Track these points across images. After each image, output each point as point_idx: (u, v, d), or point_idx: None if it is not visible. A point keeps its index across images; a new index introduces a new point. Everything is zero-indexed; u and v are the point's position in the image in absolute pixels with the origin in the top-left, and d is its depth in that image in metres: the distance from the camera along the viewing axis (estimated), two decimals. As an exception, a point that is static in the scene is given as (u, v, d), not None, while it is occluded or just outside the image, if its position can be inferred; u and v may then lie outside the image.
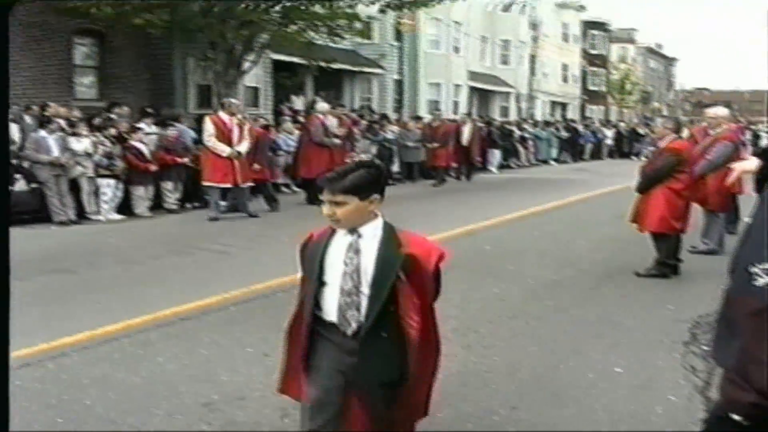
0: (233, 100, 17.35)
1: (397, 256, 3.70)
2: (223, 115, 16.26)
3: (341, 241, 3.80)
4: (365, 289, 3.71)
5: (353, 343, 3.76)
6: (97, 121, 17.43)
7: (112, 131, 16.57)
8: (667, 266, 10.01)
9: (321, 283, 3.81)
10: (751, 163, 3.17)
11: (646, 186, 10.00)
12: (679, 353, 6.70)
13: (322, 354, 3.87)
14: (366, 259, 3.73)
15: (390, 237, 3.76)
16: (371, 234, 3.76)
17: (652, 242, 10.19)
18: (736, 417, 1.86)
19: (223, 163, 15.93)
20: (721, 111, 12.26)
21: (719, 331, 2.08)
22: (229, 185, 16.24)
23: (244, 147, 16.18)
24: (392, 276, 3.68)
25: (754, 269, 1.80)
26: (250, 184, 16.67)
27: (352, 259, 3.74)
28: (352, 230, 3.76)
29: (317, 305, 3.84)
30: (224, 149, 15.90)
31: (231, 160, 15.94)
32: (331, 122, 19.33)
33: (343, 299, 3.74)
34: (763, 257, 1.79)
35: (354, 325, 3.75)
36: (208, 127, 16.13)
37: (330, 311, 3.81)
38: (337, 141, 19.03)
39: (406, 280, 3.71)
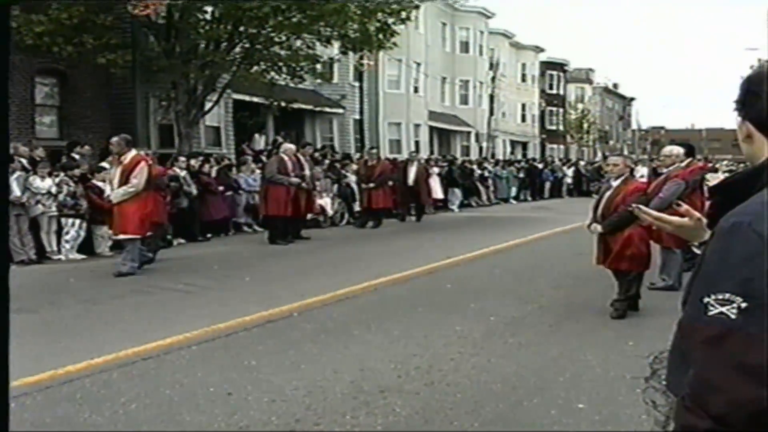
0: (114, 138, 14.49)
1: None
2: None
3: None
4: None
5: None
6: (62, 161, 17.35)
7: (76, 171, 16.50)
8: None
9: None
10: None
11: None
12: (640, 389, 6.77)
13: None
14: None
15: None
16: None
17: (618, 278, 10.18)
18: (691, 444, 1.92)
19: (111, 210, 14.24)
20: (675, 150, 12.22)
21: (673, 360, 2.14)
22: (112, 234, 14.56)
23: (115, 194, 13.79)
24: None
25: (707, 299, 1.86)
26: (126, 236, 13.84)
27: None
28: None
29: None
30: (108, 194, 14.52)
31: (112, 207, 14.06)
32: (296, 161, 19.29)
33: None
34: (716, 288, 1.87)
35: None
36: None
37: None
38: (293, 180, 18.74)
39: None
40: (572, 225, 21.02)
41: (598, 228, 9.91)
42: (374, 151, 26.88)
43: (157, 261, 14.82)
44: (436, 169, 31.23)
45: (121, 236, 13.92)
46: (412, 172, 26.67)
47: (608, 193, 9.93)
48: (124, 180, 13.66)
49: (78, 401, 6.52)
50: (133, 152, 14.06)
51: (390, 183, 24.56)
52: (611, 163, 10.43)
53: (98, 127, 24.15)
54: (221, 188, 20.27)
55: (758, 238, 1.84)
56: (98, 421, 6.08)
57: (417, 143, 43.96)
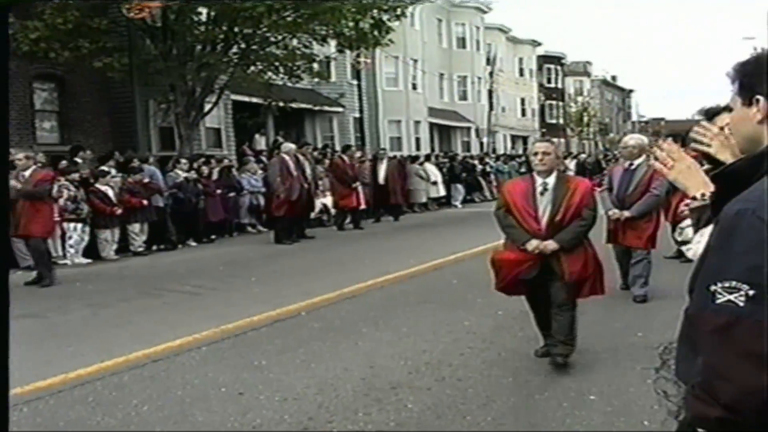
0: None
1: None
2: None
3: None
4: None
5: None
6: (62, 164, 17.36)
7: (76, 175, 16.49)
8: None
9: None
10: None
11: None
12: (651, 379, 6.77)
13: None
14: None
15: None
16: None
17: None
18: (702, 432, 1.93)
19: None
20: (631, 140, 10.95)
21: (681, 349, 2.14)
22: None
23: None
24: None
25: (714, 287, 1.87)
26: None
27: None
28: None
29: None
30: None
31: None
32: (296, 161, 19.35)
33: None
34: (723, 276, 1.87)
35: None
36: None
37: None
38: (281, 193, 18.61)
39: None
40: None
41: (552, 245, 7.13)
42: (353, 148, 26.08)
43: (163, 264, 14.86)
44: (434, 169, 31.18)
45: None
46: (381, 171, 25.86)
47: (547, 196, 7.25)
48: None
49: (90, 404, 6.54)
50: None
51: (365, 182, 24.21)
52: (540, 150, 7.30)
53: (98, 132, 24.24)
54: (219, 191, 20.21)
55: (763, 225, 1.85)
56: (111, 423, 6.10)
57: (418, 140, 44.09)
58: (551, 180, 7.25)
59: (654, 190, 10.15)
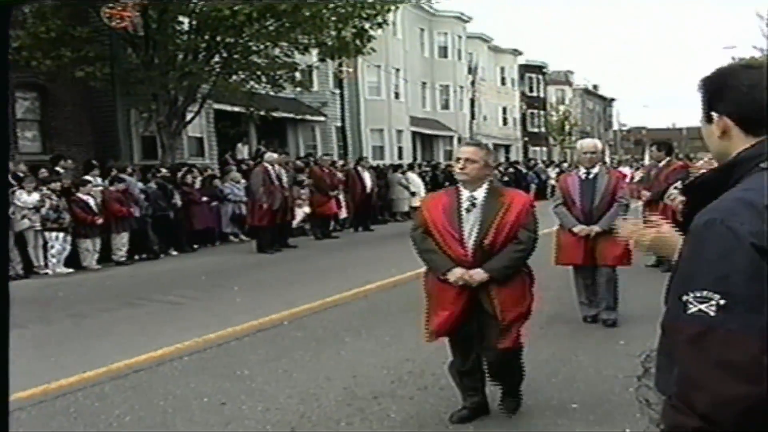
0: None
1: None
2: None
3: None
4: None
5: None
6: (42, 173, 17.27)
7: (57, 185, 16.43)
8: None
9: None
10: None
11: None
12: (633, 387, 6.78)
13: None
14: None
15: None
16: None
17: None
18: (680, 443, 1.93)
19: None
20: (587, 144, 9.97)
21: (659, 359, 2.15)
22: None
23: None
24: None
25: (686, 297, 1.88)
26: None
27: None
28: None
29: None
30: None
31: None
32: (279, 170, 19.44)
33: None
34: (693, 286, 1.88)
35: None
36: None
37: None
38: (264, 202, 18.75)
39: None
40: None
41: (480, 275, 5.79)
42: (328, 156, 26.56)
43: (145, 274, 14.81)
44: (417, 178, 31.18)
45: None
46: (368, 179, 25.81)
47: (474, 213, 5.90)
48: None
49: (72, 415, 6.51)
50: None
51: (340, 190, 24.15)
52: (463, 156, 5.95)
53: (81, 141, 24.12)
54: (205, 199, 20.24)
55: (732, 235, 1.86)
56: (93, 434, 6.08)
57: (400, 149, 44.14)
58: (480, 194, 5.92)
59: (621, 200, 9.37)
